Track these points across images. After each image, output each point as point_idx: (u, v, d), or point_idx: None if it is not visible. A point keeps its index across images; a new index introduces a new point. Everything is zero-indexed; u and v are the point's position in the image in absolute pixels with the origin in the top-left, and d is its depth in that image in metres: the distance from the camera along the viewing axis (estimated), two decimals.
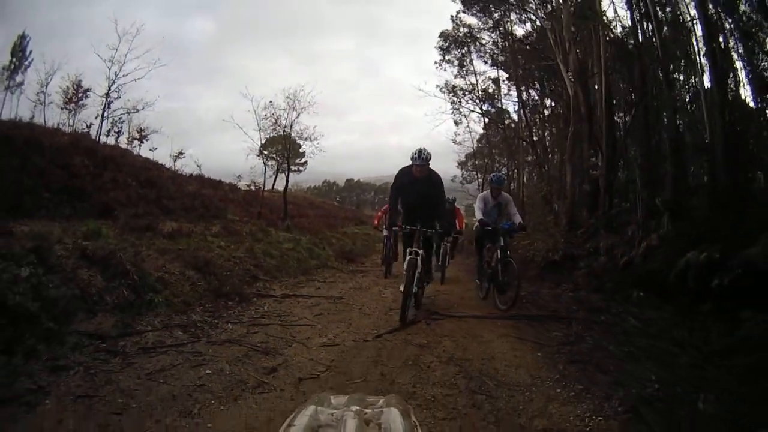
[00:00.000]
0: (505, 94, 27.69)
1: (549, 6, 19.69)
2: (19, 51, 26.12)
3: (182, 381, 3.94)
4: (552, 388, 4.13)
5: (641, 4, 13.17)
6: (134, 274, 6.32)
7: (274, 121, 25.72)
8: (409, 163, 7.52)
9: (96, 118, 21.08)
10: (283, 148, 44.27)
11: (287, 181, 26.38)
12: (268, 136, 41.92)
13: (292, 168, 40.66)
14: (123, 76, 18.78)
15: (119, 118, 22.07)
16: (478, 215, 8.72)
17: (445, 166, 33.67)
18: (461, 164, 36.77)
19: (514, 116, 27.61)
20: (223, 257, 9.70)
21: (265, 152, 49.73)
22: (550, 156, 22.91)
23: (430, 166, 7.54)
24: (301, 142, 26.43)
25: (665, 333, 5.82)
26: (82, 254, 6.29)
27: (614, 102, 14.73)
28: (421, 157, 7.39)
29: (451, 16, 26.04)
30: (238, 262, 9.95)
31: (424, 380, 4.19)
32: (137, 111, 21.57)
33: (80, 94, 23.82)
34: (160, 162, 23.14)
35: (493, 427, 3.39)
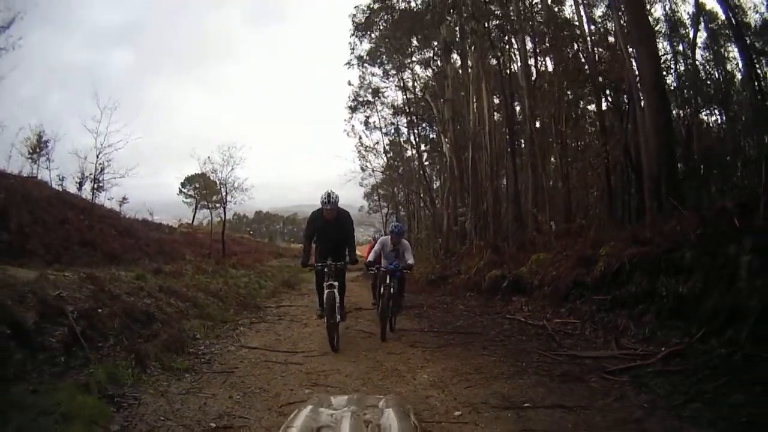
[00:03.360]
0: (405, 141, 34.67)
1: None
2: None
3: (274, 328, 9.92)
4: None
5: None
6: (191, 299, 11.14)
7: (212, 172, 29.13)
8: (319, 206, 8.77)
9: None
10: (202, 187, 48.26)
11: (224, 224, 30.78)
12: (187, 175, 45.81)
13: (209, 205, 45.48)
14: (108, 146, 21.20)
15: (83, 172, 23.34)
16: (371, 257, 10.48)
17: (351, 193, 39.07)
18: (367, 195, 42.33)
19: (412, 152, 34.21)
20: (212, 289, 13.45)
21: (184, 190, 53.53)
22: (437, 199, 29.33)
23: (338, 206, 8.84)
24: (234, 193, 29.43)
25: (474, 309, 12.24)
26: (160, 288, 10.39)
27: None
28: (331, 201, 8.65)
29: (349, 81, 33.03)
30: (226, 291, 14.04)
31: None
32: (122, 176, 23.41)
33: (41, 145, 26.76)
34: (117, 210, 26.61)
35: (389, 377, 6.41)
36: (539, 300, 10.99)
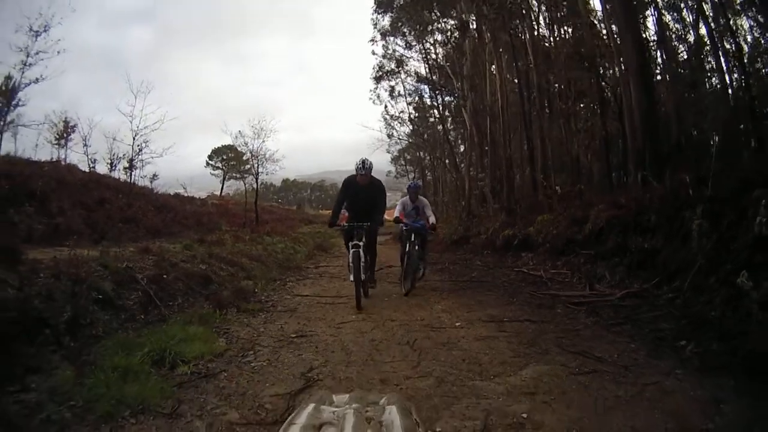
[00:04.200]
0: (429, 106, 35.62)
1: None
2: (7, 92, 26.63)
3: (318, 282, 11.82)
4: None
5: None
6: (238, 264, 12.66)
7: (243, 145, 30.67)
8: (353, 172, 9.32)
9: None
10: (230, 159, 49.69)
11: (257, 195, 31.72)
12: (214, 147, 47.02)
13: (237, 176, 47.10)
14: (144, 127, 21.84)
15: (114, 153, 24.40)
16: (396, 214, 10.83)
17: (379, 158, 40.34)
18: (395, 160, 43.78)
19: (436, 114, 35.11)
20: (253, 254, 14.85)
21: (211, 162, 55.38)
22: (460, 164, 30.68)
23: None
24: (266, 164, 30.63)
25: (488, 264, 14.12)
26: (209, 255, 11.76)
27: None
28: (365, 167, 9.12)
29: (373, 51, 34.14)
30: (266, 256, 15.51)
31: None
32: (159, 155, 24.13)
33: (68, 131, 27.99)
34: (150, 186, 27.25)
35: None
36: (542, 255, 12.91)
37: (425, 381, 4.67)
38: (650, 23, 16.56)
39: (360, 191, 9.31)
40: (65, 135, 28.24)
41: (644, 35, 15.17)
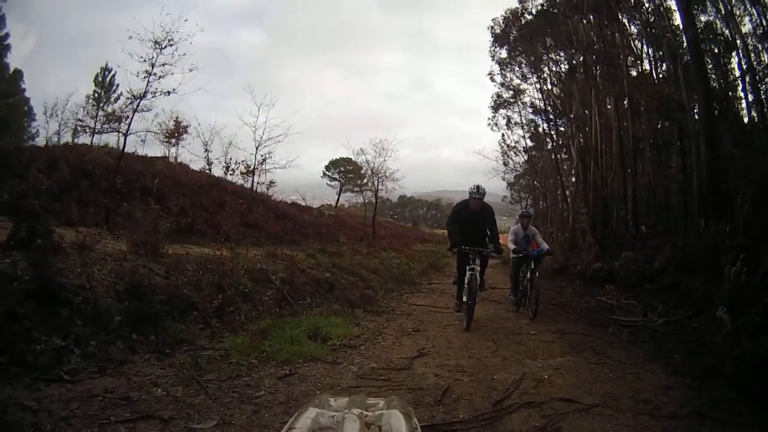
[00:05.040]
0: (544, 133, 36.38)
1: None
2: (104, 82, 30.74)
3: (430, 296, 14.24)
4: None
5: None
6: (358, 274, 14.58)
7: (365, 163, 32.34)
8: (466, 196, 9.86)
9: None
10: (354, 175, 52.16)
11: (375, 212, 33.65)
12: (332, 159, 49.34)
13: (355, 189, 49.73)
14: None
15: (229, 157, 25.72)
16: (511, 246, 11.57)
17: (494, 184, 40.75)
18: (510, 185, 44.40)
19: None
20: (371, 267, 16.72)
21: (328, 173, 58.34)
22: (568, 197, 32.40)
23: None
24: (385, 182, 31.95)
25: (577, 291, 16.18)
26: (332, 264, 13.82)
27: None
28: (480, 192, 9.55)
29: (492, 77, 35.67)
30: (383, 270, 17.26)
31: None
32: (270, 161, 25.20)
33: (180, 130, 29.52)
34: (267, 192, 28.99)
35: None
36: (621, 286, 14.84)
37: (495, 359, 7.34)
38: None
39: (471, 215, 9.76)
40: (176, 134, 29.89)
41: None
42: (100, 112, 26.04)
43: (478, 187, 9.61)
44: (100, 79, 29.74)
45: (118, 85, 29.08)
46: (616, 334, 9.52)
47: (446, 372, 6.60)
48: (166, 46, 14.95)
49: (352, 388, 5.78)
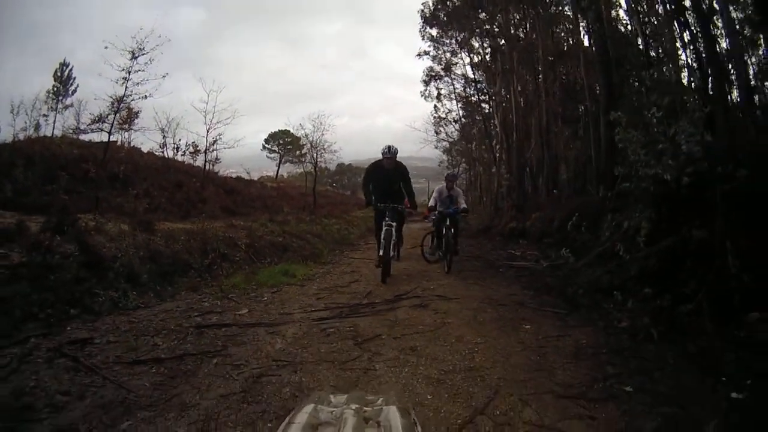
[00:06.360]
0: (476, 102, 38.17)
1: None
2: (62, 77, 31.01)
3: (366, 253, 16.21)
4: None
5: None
6: (304, 238, 17.60)
7: (304, 136, 35.53)
8: (380, 156, 10.45)
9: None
10: (293, 147, 53.54)
11: (315, 182, 36.23)
12: (271, 132, 50.42)
13: (294, 160, 51.32)
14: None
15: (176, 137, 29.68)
16: (431, 203, 12.43)
17: (431, 152, 44.03)
18: (446, 151, 46.28)
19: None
20: (315, 232, 19.02)
21: (267, 146, 59.42)
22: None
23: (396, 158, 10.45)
24: (324, 154, 35.11)
25: (495, 247, 18.59)
26: (282, 231, 16.35)
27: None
28: (391, 152, 10.13)
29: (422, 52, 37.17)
30: (325, 234, 19.62)
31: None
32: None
33: (132, 116, 29.25)
34: (216, 170, 31.25)
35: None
36: (531, 242, 17.66)
37: (405, 284, 10.38)
38: None
39: (386, 175, 10.39)
40: (129, 119, 29.91)
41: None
42: (59, 105, 28.12)
43: (389, 147, 10.30)
44: (59, 74, 30.61)
45: (75, 78, 30.61)
46: (504, 273, 12.03)
47: (371, 286, 10.02)
48: (138, 56, 18.77)
49: (315, 295, 9.34)
